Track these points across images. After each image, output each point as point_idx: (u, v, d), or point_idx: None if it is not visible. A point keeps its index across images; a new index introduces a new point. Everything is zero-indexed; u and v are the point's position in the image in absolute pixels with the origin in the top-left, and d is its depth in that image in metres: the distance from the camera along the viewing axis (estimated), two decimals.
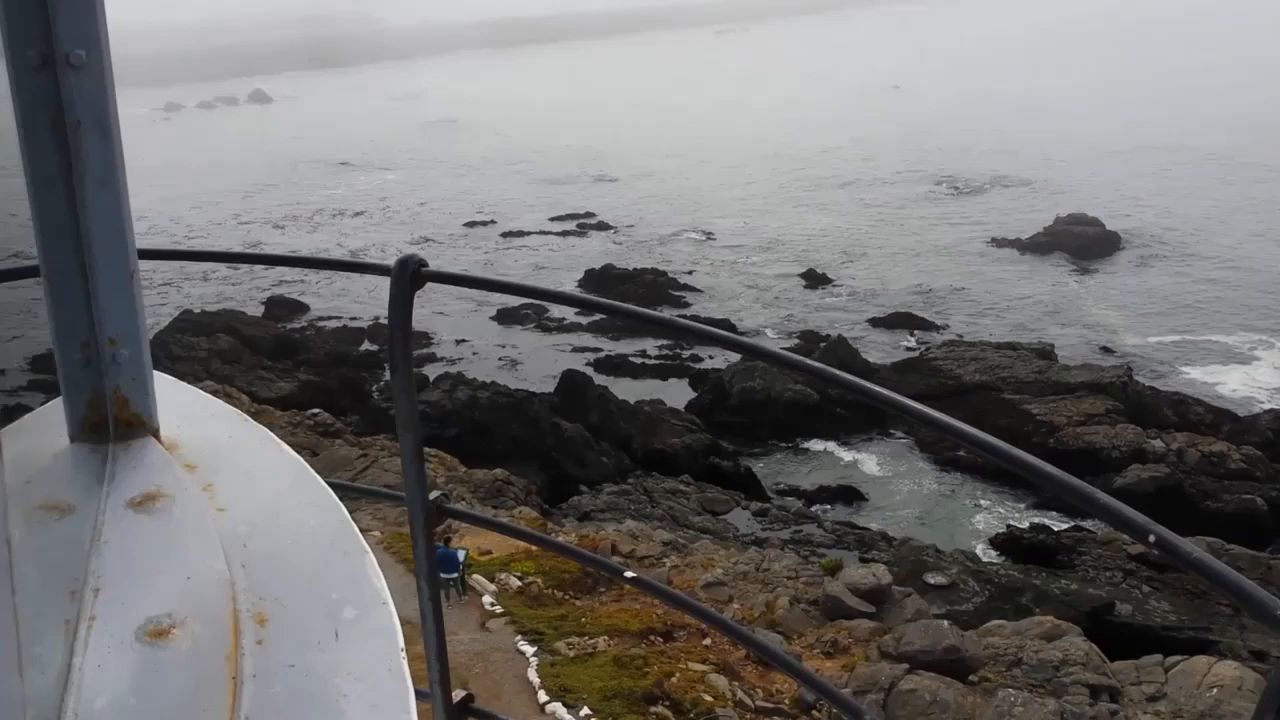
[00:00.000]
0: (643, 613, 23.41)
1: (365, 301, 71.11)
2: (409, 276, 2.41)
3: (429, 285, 2.57)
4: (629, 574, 2.73)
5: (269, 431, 2.25)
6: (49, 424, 2.02)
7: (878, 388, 2.06)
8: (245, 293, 74.70)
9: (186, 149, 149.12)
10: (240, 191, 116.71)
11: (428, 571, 2.52)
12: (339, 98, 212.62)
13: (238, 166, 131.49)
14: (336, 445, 38.01)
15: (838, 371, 2.11)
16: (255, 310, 67.58)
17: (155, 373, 2.54)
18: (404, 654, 1.59)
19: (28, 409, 2.02)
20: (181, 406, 2.37)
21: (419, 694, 3.06)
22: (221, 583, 1.67)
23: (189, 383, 2.57)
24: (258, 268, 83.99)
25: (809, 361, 2.17)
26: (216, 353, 54.54)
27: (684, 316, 55.67)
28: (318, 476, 2.02)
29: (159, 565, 1.69)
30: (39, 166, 1.87)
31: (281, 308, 69.68)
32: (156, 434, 2.09)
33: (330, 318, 67.98)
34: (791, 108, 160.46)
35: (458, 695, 2.82)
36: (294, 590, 1.72)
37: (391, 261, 2.44)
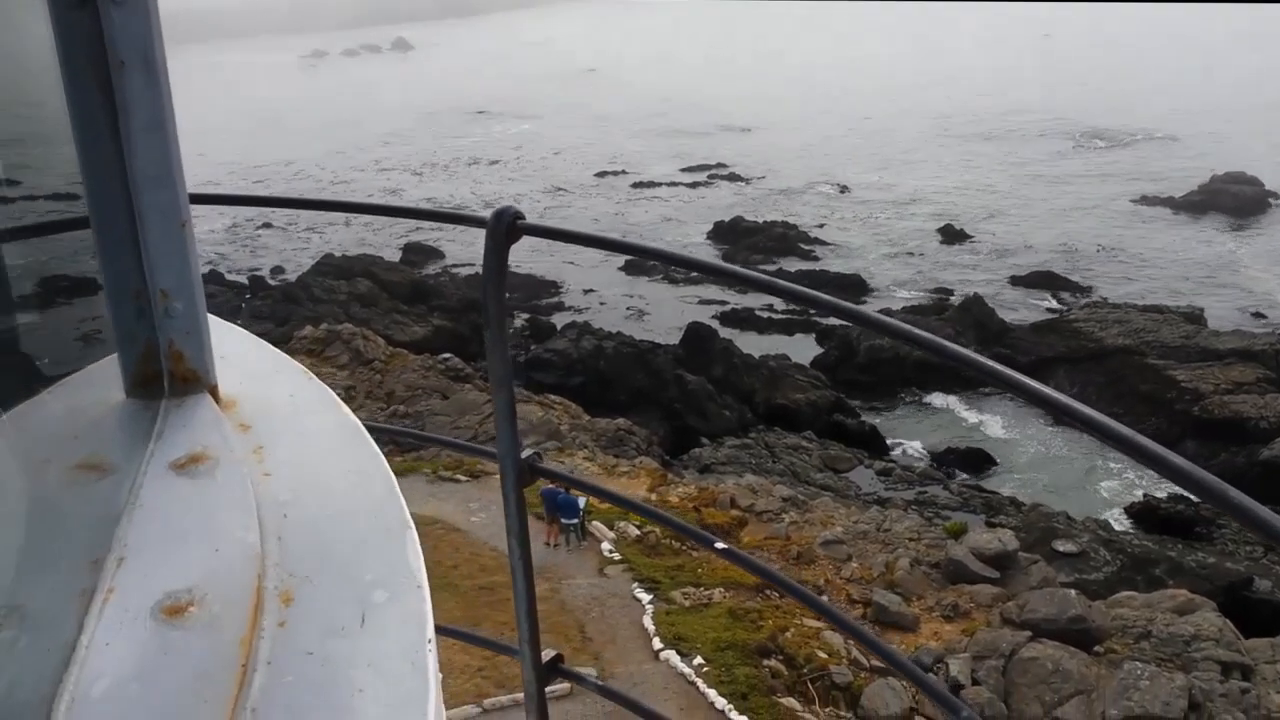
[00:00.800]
0: None
1: None
2: (504, 229, 2.39)
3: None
4: (719, 545, 2.66)
5: (331, 392, 2.16)
6: (104, 379, 1.94)
7: (968, 352, 1.94)
8: (384, 239, 76.71)
9: (330, 96, 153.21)
10: (380, 139, 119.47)
11: (518, 530, 2.47)
12: (479, 46, 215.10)
13: (378, 114, 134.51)
14: (465, 389, 38.88)
15: (922, 333, 2.01)
16: (393, 256, 69.34)
17: (225, 324, 2.45)
18: (432, 645, 1.50)
19: (84, 364, 1.95)
20: (245, 361, 2.29)
21: (510, 651, 3.07)
22: (251, 557, 1.57)
23: (266, 340, 2.53)
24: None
25: (892, 322, 2.07)
26: (355, 296, 56.26)
27: (812, 271, 54.97)
28: (374, 444, 1.91)
29: (190, 534, 1.60)
30: (83, 111, 1.79)
31: (418, 254, 71.30)
32: (214, 391, 2.00)
33: (464, 264, 69.30)
34: (932, 59, 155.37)
35: (547, 655, 2.81)
36: (326, 568, 1.63)
37: (491, 211, 2.37)
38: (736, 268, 2.11)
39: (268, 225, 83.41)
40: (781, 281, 2.11)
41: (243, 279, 67.00)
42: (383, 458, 1.89)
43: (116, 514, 1.62)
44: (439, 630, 1.62)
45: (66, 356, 1.92)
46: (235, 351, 2.30)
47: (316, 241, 77.79)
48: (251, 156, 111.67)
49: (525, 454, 2.43)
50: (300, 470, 1.84)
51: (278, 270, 69.45)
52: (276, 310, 54.93)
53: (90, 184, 1.84)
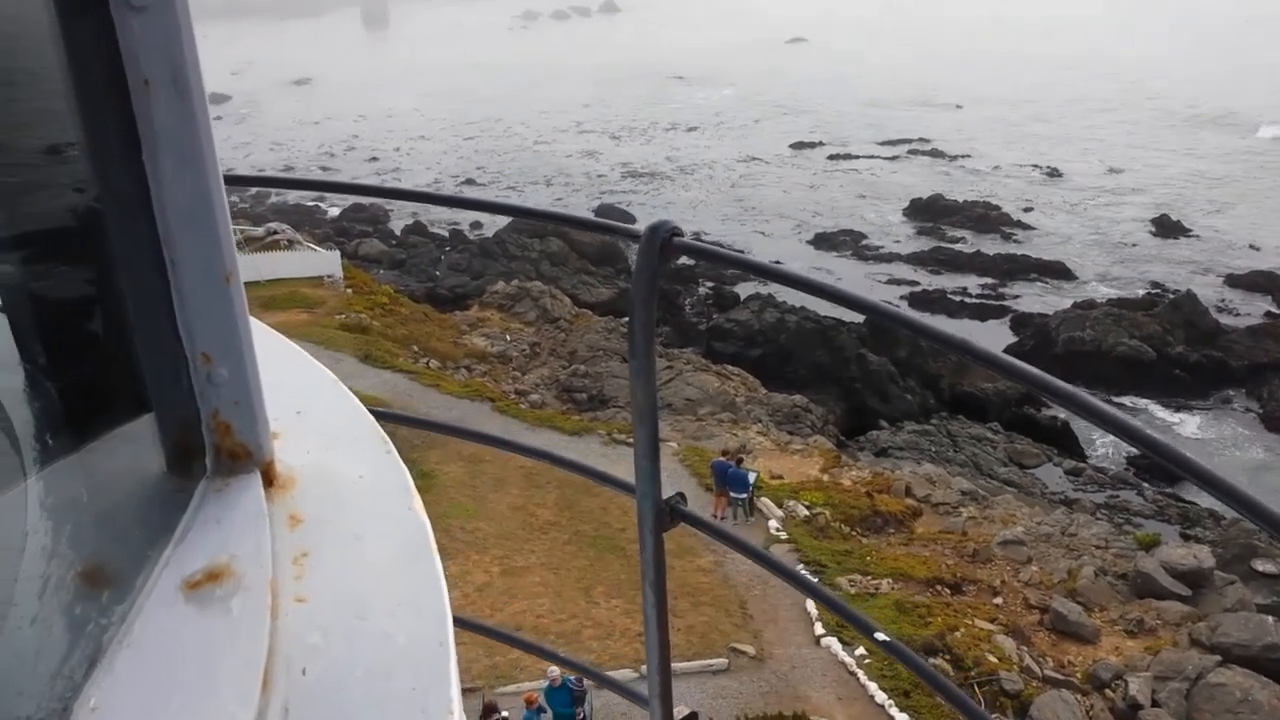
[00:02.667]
0: (931, 561, 22.73)
1: (689, 220, 72.44)
2: (658, 247, 2.01)
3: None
4: (880, 636, 2.39)
5: (406, 475, 1.83)
6: (142, 444, 1.58)
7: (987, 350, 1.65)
8: (580, 200, 78.10)
9: (538, 57, 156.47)
10: (582, 101, 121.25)
11: (654, 578, 2.22)
12: (685, 9, 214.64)
13: (582, 76, 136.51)
14: None
15: (913, 320, 1.77)
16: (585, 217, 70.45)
17: (315, 367, 2.16)
18: None
19: (122, 423, 1.58)
20: (322, 418, 1.96)
21: (637, 699, 2.83)
22: None
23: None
24: (594, 173, 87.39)
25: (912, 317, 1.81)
26: (546, 254, 57.47)
27: (1013, 255, 52.66)
28: (437, 561, 1.62)
29: (173, 695, 1.26)
30: (99, 141, 1.45)
31: (610, 216, 71.93)
32: (268, 469, 1.67)
33: None
34: (1156, 40, 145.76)
35: (681, 713, 2.62)
36: None
37: (647, 223, 2.10)
38: (851, 292, 1.84)
39: (470, 182, 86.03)
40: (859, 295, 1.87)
41: (443, 231, 69.43)
42: (442, 581, 1.59)
43: (91, 656, 1.30)
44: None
45: (106, 411, 1.56)
46: (314, 404, 2.02)
47: (514, 199, 79.75)
48: (465, 114, 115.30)
49: (667, 495, 2.18)
50: (345, 596, 1.52)
51: (476, 225, 71.62)
52: (472, 264, 56.71)
53: (110, 230, 1.50)
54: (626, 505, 24.48)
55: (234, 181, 2.28)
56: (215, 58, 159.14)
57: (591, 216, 2.45)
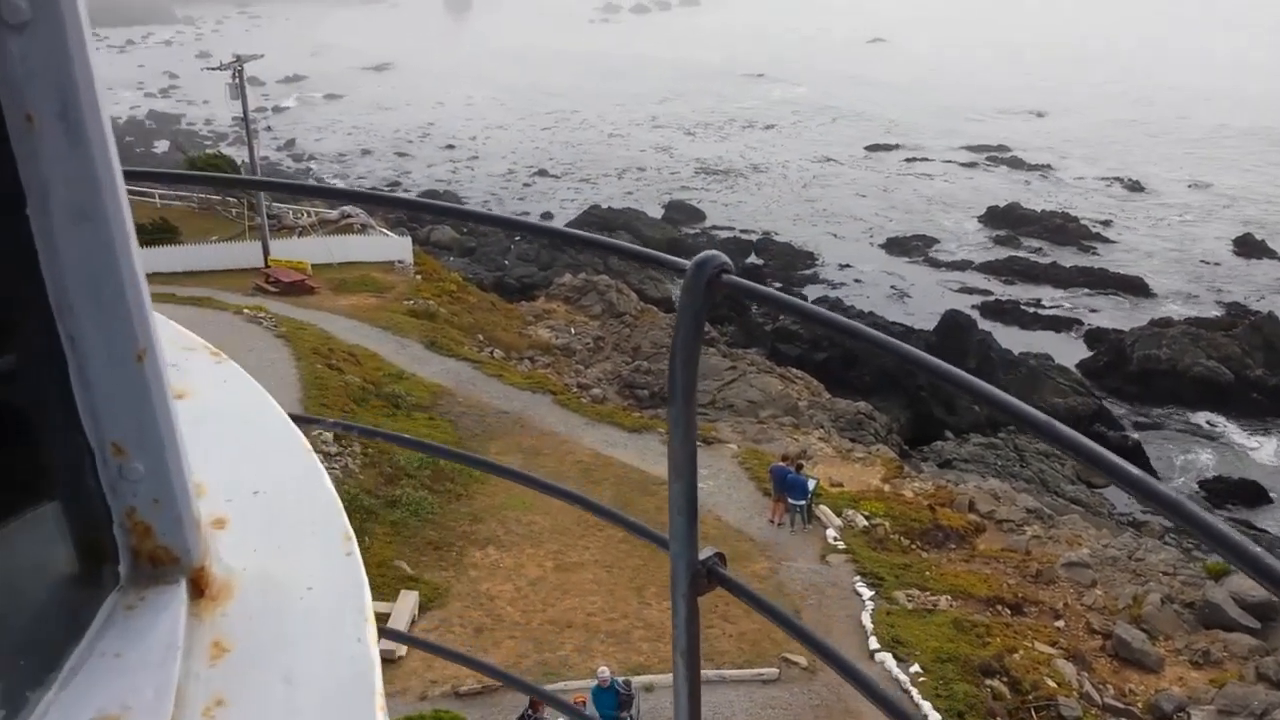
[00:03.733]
0: (992, 579, 22.27)
1: (760, 220, 72.01)
2: (704, 283, 1.80)
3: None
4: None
5: (365, 585, 1.53)
6: (41, 542, 1.26)
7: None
8: (650, 194, 77.93)
9: (617, 49, 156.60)
10: (658, 95, 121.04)
11: (686, 647, 1.99)
12: (767, 5, 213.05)
13: (659, 70, 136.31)
14: (709, 354, 38.96)
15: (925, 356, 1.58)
16: (655, 213, 70.30)
17: (292, 430, 1.85)
18: None
19: (26, 509, 1.24)
20: (284, 507, 1.63)
21: None
22: None
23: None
24: (667, 169, 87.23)
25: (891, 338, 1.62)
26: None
27: (1089, 268, 51.45)
28: (380, 701, 1.34)
29: None
30: None
31: (679, 212, 71.97)
32: (198, 575, 1.36)
33: (723, 227, 69.38)
34: (1258, 49, 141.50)
35: None
36: None
37: (692, 259, 1.81)
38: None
39: (543, 173, 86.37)
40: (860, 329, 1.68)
41: None
42: None
43: None
44: None
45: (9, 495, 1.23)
46: (276, 481, 1.66)
47: (586, 191, 80.00)
48: (542, 104, 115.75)
49: (704, 554, 1.95)
50: None
51: (547, 215, 71.89)
52: (541, 255, 56.90)
53: None
54: None
55: (135, 176, 1.97)
56: (297, 38, 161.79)
57: (636, 246, 2.16)
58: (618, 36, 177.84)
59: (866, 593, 20.68)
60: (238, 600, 1.42)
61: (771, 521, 23.49)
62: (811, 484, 23.36)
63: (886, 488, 27.58)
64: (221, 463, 1.47)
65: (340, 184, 78.47)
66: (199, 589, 1.38)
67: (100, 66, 1.18)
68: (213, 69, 45.25)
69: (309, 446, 1.81)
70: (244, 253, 42.21)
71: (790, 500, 23.06)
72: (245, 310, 34.19)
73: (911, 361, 1.59)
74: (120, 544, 1.31)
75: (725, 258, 1.81)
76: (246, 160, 46.40)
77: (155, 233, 42.60)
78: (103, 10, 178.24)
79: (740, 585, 1.95)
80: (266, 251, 41.30)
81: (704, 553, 1.91)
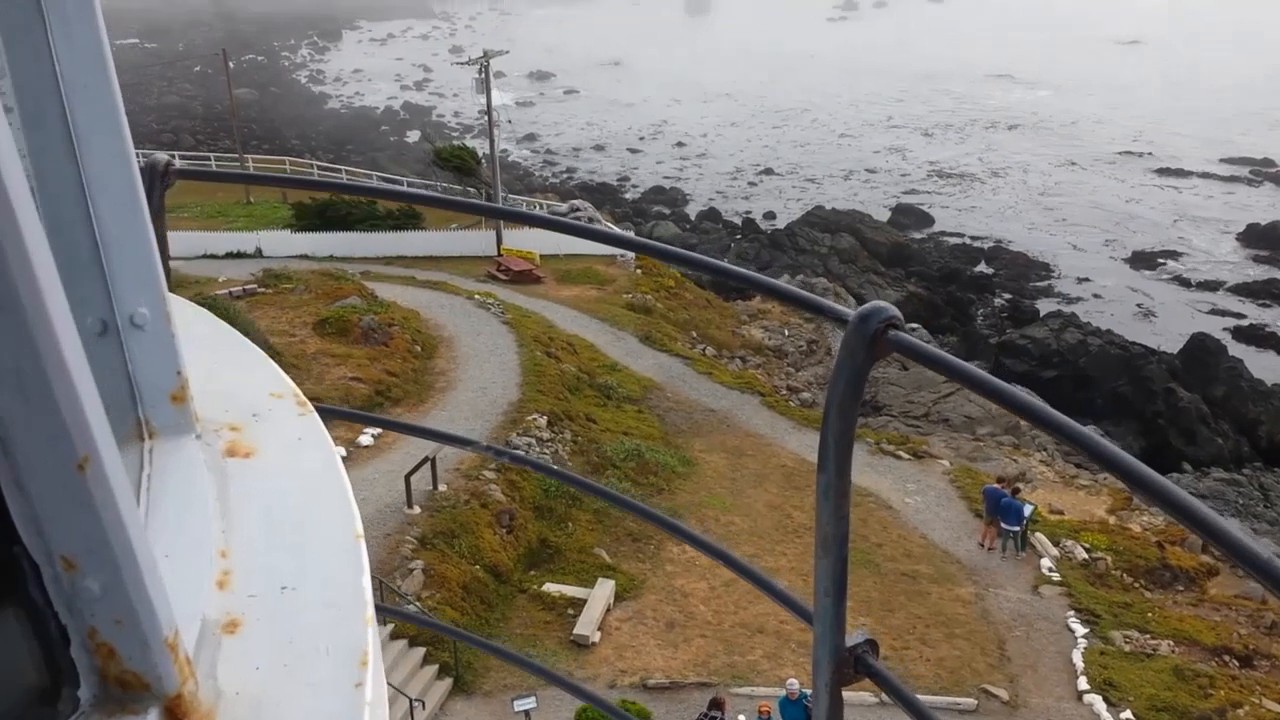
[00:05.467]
0: (1221, 627, 20.60)
1: (993, 224, 69.23)
2: (867, 340, 1.56)
3: None
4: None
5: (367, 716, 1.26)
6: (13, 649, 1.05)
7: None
8: (878, 197, 76.24)
9: (855, 47, 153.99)
10: (895, 95, 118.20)
11: None
12: (1016, 4, 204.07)
13: (900, 68, 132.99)
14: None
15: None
16: (881, 215, 68.66)
17: (345, 493, 1.62)
18: None
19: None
20: (302, 614, 1.37)
21: None
22: None
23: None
24: (898, 170, 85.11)
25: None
26: (836, 250, 56.60)
27: None
28: None
29: None
30: None
31: (907, 216, 70.06)
32: (175, 705, 1.12)
33: (952, 234, 67.04)
34: None
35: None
36: None
37: (856, 309, 1.59)
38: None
39: (769, 172, 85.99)
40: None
41: (736, 219, 69.80)
42: None
43: None
44: None
45: None
46: (311, 573, 1.42)
47: (812, 191, 79.10)
48: (775, 102, 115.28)
49: (853, 640, 1.70)
50: None
51: (769, 215, 71.48)
52: (760, 254, 56.74)
53: None
54: (886, 520, 23.73)
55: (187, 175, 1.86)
56: (543, 35, 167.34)
57: (795, 289, 1.86)
58: (855, 34, 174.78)
59: (1080, 629, 19.55)
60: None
61: (981, 545, 22.57)
62: (1028, 510, 22.24)
63: (1112, 520, 25.97)
64: (260, 545, 1.30)
65: (557, 181, 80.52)
66: (175, 718, 1.15)
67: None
68: (462, 63, 47.50)
69: (360, 530, 1.55)
70: (479, 241, 44.30)
71: (1003, 525, 22.06)
72: (476, 296, 35.81)
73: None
74: (81, 666, 1.08)
75: (894, 310, 1.55)
76: (487, 152, 48.49)
77: (403, 219, 45.38)
78: (368, 5, 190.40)
79: (892, 682, 1.70)
80: (499, 241, 43.23)
81: (854, 638, 1.69)
